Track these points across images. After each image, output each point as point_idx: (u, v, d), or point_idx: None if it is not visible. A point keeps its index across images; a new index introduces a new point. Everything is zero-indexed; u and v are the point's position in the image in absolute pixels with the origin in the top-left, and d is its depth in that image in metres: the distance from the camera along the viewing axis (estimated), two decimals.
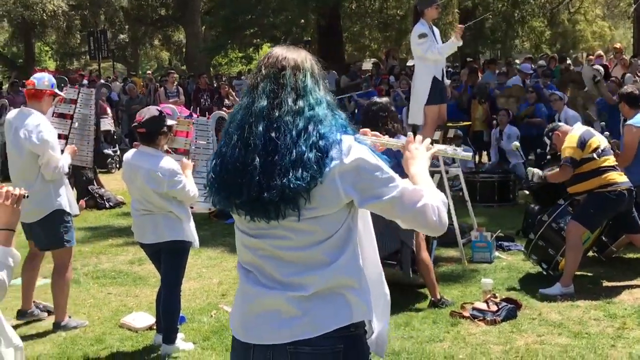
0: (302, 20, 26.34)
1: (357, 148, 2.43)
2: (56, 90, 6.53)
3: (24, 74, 26.88)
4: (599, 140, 7.18)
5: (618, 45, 18.85)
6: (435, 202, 2.50)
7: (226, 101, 17.13)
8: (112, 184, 13.96)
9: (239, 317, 2.61)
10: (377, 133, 2.97)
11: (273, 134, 2.41)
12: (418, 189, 2.51)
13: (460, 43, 8.59)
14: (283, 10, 24.60)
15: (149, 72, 28.08)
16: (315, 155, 2.37)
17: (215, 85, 18.97)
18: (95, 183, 12.64)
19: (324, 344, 2.45)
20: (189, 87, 20.12)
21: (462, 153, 3.09)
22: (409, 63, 25.53)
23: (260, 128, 2.43)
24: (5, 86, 21.51)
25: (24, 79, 22.37)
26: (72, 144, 6.91)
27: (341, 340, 2.46)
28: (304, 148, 2.37)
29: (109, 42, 29.97)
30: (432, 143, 2.89)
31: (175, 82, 17.90)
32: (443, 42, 8.70)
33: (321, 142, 2.39)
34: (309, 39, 28.72)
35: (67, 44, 35.94)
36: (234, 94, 17.90)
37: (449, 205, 8.03)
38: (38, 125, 6.05)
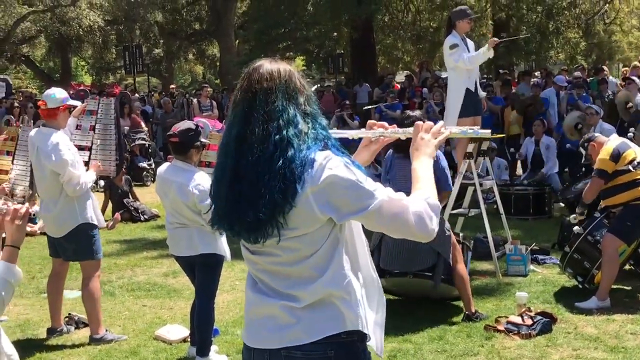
0: (335, 33, 26.42)
1: (330, 164, 2.40)
2: (70, 103, 6.51)
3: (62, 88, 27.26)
4: (636, 152, 7.10)
5: None
6: (418, 208, 2.47)
7: None
8: (147, 197, 14.09)
9: (245, 322, 2.72)
10: (385, 123, 2.92)
11: (242, 162, 2.43)
12: (397, 199, 2.47)
13: (492, 54, 8.55)
14: (316, 23, 24.71)
15: (172, 86, 28.24)
16: (282, 184, 2.36)
17: None
18: (130, 196, 12.78)
19: (315, 349, 2.50)
20: (223, 100, 20.28)
21: (481, 131, 3.02)
22: (443, 75, 25.53)
23: (233, 156, 2.46)
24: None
25: None
26: (95, 155, 6.99)
27: (332, 346, 2.51)
28: (269, 177, 2.38)
29: (144, 56, 30.28)
30: (445, 127, 2.82)
31: (209, 96, 18.03)
32: None
33: (291, 167, 2.37)
34: (342, 51, 28.78)
35: (103, 58, 36.42)
36: None
37: (483, 218, 8.00)
38: (57, 144, 6.10)
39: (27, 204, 3.24)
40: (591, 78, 17.71)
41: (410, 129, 2.82)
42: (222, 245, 5.64)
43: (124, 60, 30.11)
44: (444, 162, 6.76)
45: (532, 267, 8.38)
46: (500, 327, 6.43)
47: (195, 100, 18.19)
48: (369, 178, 2.47)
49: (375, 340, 2.70)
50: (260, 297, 2.59)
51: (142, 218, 12.38)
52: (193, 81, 51.26)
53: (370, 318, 2.65)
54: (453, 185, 7.42)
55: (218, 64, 37.02)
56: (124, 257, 9.89)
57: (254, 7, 27.52)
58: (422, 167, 2.68)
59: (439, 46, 29.35)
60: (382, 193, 2.45)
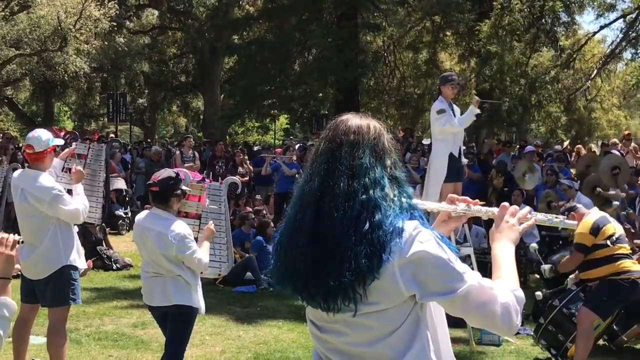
0: (320, 94, 26.66)
1: (420, 237, 2.23)
2: (56, 144, 6.45)
3: None
4: (615, 227, 7.15)
5: (627, 131, 18.85)
6: (506, 300, 2.28)
7: (240, 169, 17.24)
8: (120, 245, 13.97)
9: None
10: (467, 198, 2.74)
11: (322, 222, 2.26)
12: (488, 286, 2.28)
13: (478, 111, 8.68)
14: (302, 83, 24.92)
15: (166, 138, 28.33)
16: (368, 250, 2.18)
17: (230, 152, 19.13)
18: (104, 244, 12.65)
19: None
20: (205, 153, 20.27)
21: (567, 222, 2.84)
22: (424, 141, 25.74)
23: (310, 213, 2.29)
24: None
25: None
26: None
27: None
28: (354, 240, 2.20)
29: (128, 105, 30.36)
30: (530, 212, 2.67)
31: (192, 147, 18.05)
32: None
33: (377, 233, 2.20)
34: (326, 112, 29.03)
35: (87, 105, 36.41)
36: (247, 162, 18.02)
37: None
38: (45, 185, 6.04)
39: (14, 234, 3.17)
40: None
41: (495, 209, 2.65)
42: (197, 297, 5.55)
43: (108, 107, 30.15)
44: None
45: (505, 337, 8.35)
46: None
47: (177, 150, 18.19)
48: (458, 259, 2.29)
49: None
50: None
51: (114, 267, 12.24)
52: (175, 133, 51.36)
53: None
54: None
55: (202, 117, 37.20)
56: (93, 305, 9.73)
57: (241, 63, 27.76)
58: (505, 252, 2.49)
59: (423, 112, 29.76)
60: (472, 277, 2.27)
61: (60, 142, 6.91)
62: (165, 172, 5.56)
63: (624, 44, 22.05)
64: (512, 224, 2.56)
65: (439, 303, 2.33)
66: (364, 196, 2.23)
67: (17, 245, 3.15)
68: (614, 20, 22.50)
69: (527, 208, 2.67)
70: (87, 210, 6.23)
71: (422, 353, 2.31)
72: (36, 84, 31.77)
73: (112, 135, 27.61)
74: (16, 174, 6.40)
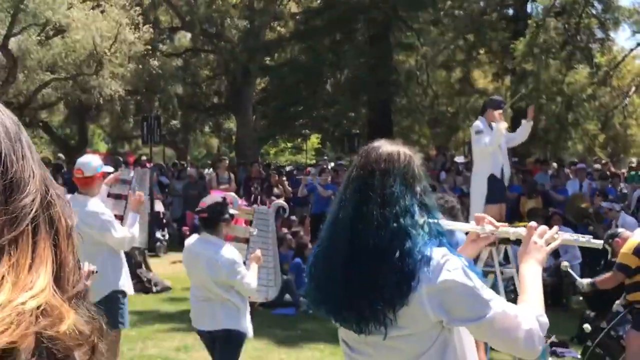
0: (352, 113, 26.70)
1: (448, 265, 2.29)
2: (105, 170, 6.61)
3: (77, 155, 27.49)
4: None
5: None
6: (530, 327, 2.35)
7: (275, 190, 17.31)
8: (159, 268, 14.06)
9: None
10: (493, 220, 2.82)
11: (357, 245, 2.34)
12: (513, 314, 2.34)
13: (532, 123, 8.65)
14: (334, 102, 25.02)
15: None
16: (398, 278, 2.26)
17: (264, 174, 19.22)
18: (143, 266, 12.75)
19: None
20: (240, 174, 20.40)
21: (594, 241, 2.92)
22: (457, 159, 25.65)
23: (344, 240, 2.38)
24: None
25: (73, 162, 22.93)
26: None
27: None
28: (386, 269, 2.28)
29: (162, 127, 30.63)
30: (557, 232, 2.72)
31: (227, 168, 18.18)
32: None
33: (406, 261, 2.27)
34: (358, 131, 29.09)
35: (120, 127, 36.77)
36: (285, 183, 18.09)
37: None
38: (96, 212, 6.13)
39: (89, 264, 3.23)
40: (633, 172, 17.72)
41: (522, 230, 2.72)
42: (246, 322, 5.61)
43: (142, 130, 30.29)
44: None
45: (551, 359, 8.26)
46: None
47: (213, 172, 18.33)
48: (484, 285, 2.38)
49: None
50: None
51: (154, 289, 12.33)
52: (208, 154, 51.64)
53: None
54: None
55: (234, 137, 37.38)
56: (135, 328, 9.79)
57: (273, 85, 27.95)
58: (532, 274, 2.58)
59: (456, 131, 29.73)
60: (498, 305, 2.34)
61: (110, 169, 7.00)
62: (213, 198, 5.62)
63: None
64: (540, 245, 2.63)
65: (465, 327, 2.40)
66: (394, 224, 2.31)
67: (92, 275, 3.20)
68: None
69: (555, 228, 2.73)
70: (134, 240, 6.29)
71: None
72: (71, 107, 32.09)
73: (144, 157, 27.85)
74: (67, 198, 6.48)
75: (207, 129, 42.70)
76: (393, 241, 2.29)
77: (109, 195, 7.11)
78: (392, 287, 2.26)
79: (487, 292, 2.35)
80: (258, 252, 5.96)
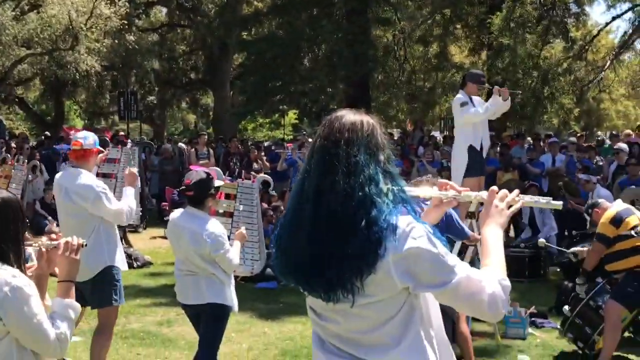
0: (330, 89, 26.58)
1: (414, 233, 2.32)
2: (100, 148, 6.57)
3: (53, 131, 27.26)
4: (639, 218, 7.13)
5: None
6: (493, 290, 2.40)
7: (255, 165, 17.26)
8: (139, 243, 14.02)
9: None
10: (455, 185, 2.87)
11: (320, 219, 2.34)
12: (477, 279, 2.38)
13: (509, 103, 8.62)
14: (312, 78, 24.89)
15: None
16: (365, 246, 2.28)
17: (242, 149, 19.13)
18: (124, 242, 12.66)
19: None
20: (218, 150, 20.31)
21: (553, 202, 2.92)
22: (435, 134, 25.66)
23: (309, 210, 2.37)
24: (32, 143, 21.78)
25: (54, 137, 22.78)
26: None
27: None
28: (352, 237, 2.29)
29: (138, 103, 30.38)
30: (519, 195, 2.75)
31: (205, 144, 18.09)
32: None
33: (372, 230, 2.28)
34: (336, 107, 28.98)
35: (97, 103, 36.45)
36: (264, 158, 18.03)
37: None
38: (90, 185, 6.03)
39: (78, 238, 3.19)
40: (605, 145, 17.83)
41: (484, 193, 2.75)
42: (231, 295, 5.59)
43: (118, 106, 30.17)
44: (456, 215, 6.77)
45: (530, 330, 8.35)
46: None
47: (192, 148, 18.22)
48: (449, 252, 2.40)
49: None
50: (331, 357, 2.49)
51: (135, 264, 12.25)
52: (184, 129, 51.38)
53: None
54: (455, 243, 7.37)
55: (211, 113, 37.19)
56: None
57: (250, 60, 27.76)
58: (493, 237, 2.61)
59: (433, 106, 29.71)
60: (462, 270, 2.38)
61: (105, 151, 6.93)
62: (197, 175, 5.55)
63: (634, 35, 21.94)
64: (502, 208, 2.66)
65: (431, 293, 2.43)
66: (360, 193, 2.31)
67: (81, 249, 3.17)
68: (626, 12, 22.36)
69: (516, 191, 2.76)
70: (132, 213, 6.22)
71: (416, 340, 2.41)
72: (46, 83, 31.77)
73: (121, 133, 27.60)
74: (59, 174, 6.45)
75: (184, 104, 42.49)
76: (359, 210, 2.30)
77: (97, 175, 7.03)
78: (360, 256, 2.27)
79: (451, 258, 2.38)
80: (243, 229, 5.93)
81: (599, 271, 7.50)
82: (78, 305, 3.15)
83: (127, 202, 6.26)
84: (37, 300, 2.98)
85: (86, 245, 3.24)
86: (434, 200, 2.87)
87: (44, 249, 3.19)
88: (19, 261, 3.03)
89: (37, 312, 2.95)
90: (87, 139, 6.24)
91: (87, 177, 6.11)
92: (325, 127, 2.46)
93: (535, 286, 10.93)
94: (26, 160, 13.34)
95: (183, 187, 5.51)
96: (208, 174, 5.60)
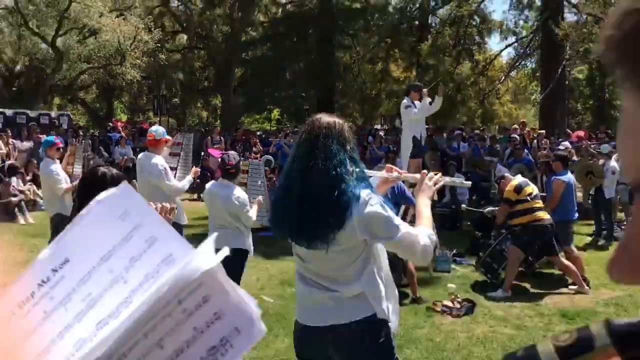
0: (305, 94, 26.43)
1: (371, 202, 2.36)
2: (169, 137, 6.55)
3: (104, 124, 26.76)
4: (532, 188, 7.18)
5: (523, 120, 18.92)
6: (425, 242, 2.45)
7: (254, 149, 17.08)
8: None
9: (298, 307, 2.63)
10: (398, 169, 2.91)
11: (307, 189, 2.36)
12: (414, 234, 2.43)
13: (442, 98, 8.58)
14: (293, 86, 24.72)
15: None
16: (337, 210, 2.32)
17: (245, 137, 18.92)
18: None
19: (354, 326, 2.46)
20: (226, 137, 20.08)
21: (465, 182, 3.11)
22: (376, 126, 25.62)
23: (298, 184, 2.39)
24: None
25: (106, 128, 22.33)
26: (180, 175, 6.91)
27: (366, 324, 2.47)
28: (328, 204, 2.33)
29: (167, 103, 29.89)
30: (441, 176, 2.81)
31: (219, 133, 17.84)
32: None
33: (342, 199, 2.32)
34: (309, 107, 28.80)
35: (137, 103, 35.83)
36: (259, 144, 17.84)
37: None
38: (156, 164, 6.05)
39: (166, 203, 2.99)
40: (500, 136, 17.92)
41: (418, 175, 2.80)
42: (249, 242, 5.52)
43: (153, 105, 29.62)
44: (404, 186, 6.72)
45: (453, 266, 8.38)
46: (438, 309, 6.41)
47: (209, 136, 17.97)
48: (395, 215, 2.43)
49: (393, 323, 2.63)
50: (311, 289, 2.53)
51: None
52: (199, 122, 50.64)
53: (390, 307, 2.58)
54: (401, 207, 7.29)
55: (219, 111, 36.71)
56: None
57: (248, 73, 27.44)
58: (424, 205, 2.66)
59: (378, 107, 29.68)
60: (404, 228, 2.42)
61: (171, 139, 6.93)
62: (235, 158, 5.46)
63: (519, 59, 22.18)
64: (430, 185, 2.72)
65: (381, 243, 2.49)
66: (333, 172, 2.34)
67: (173, 211, 2.96)
68: (513, 43, 22.51)
69: (440, 174, 2.81)
70: (182, 191, 6.24)
71: (371, 274, 2.48)
72: (101, 88, 31.15)
73: (156, 123, 27.12)
74: (141, 155, 6.45)
75: (199, 104, 41.87)
76: (333, 184, 2.32)
77: (170, 154, 7.03)
78: (333, 217, 2.32)
79: (397, 220, 2.42)
80: (260, 198, 5.85)
81: (504, 225, 7.54)
82: None
83: (182, 183, 6.28)
84: None
85: (177, 208, 3.09)
86: (382, 179, 2.88)
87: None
88: None
89: None
90: (158, 131, 6.27)
91: (156, 159, 6.11)
92: (308, 126, 2.49)
93: (454, 234, 10.96)
94: (89, 141, 13.08)
95: (228, 167, 5.37)
96: (239, 160, 5.52)
